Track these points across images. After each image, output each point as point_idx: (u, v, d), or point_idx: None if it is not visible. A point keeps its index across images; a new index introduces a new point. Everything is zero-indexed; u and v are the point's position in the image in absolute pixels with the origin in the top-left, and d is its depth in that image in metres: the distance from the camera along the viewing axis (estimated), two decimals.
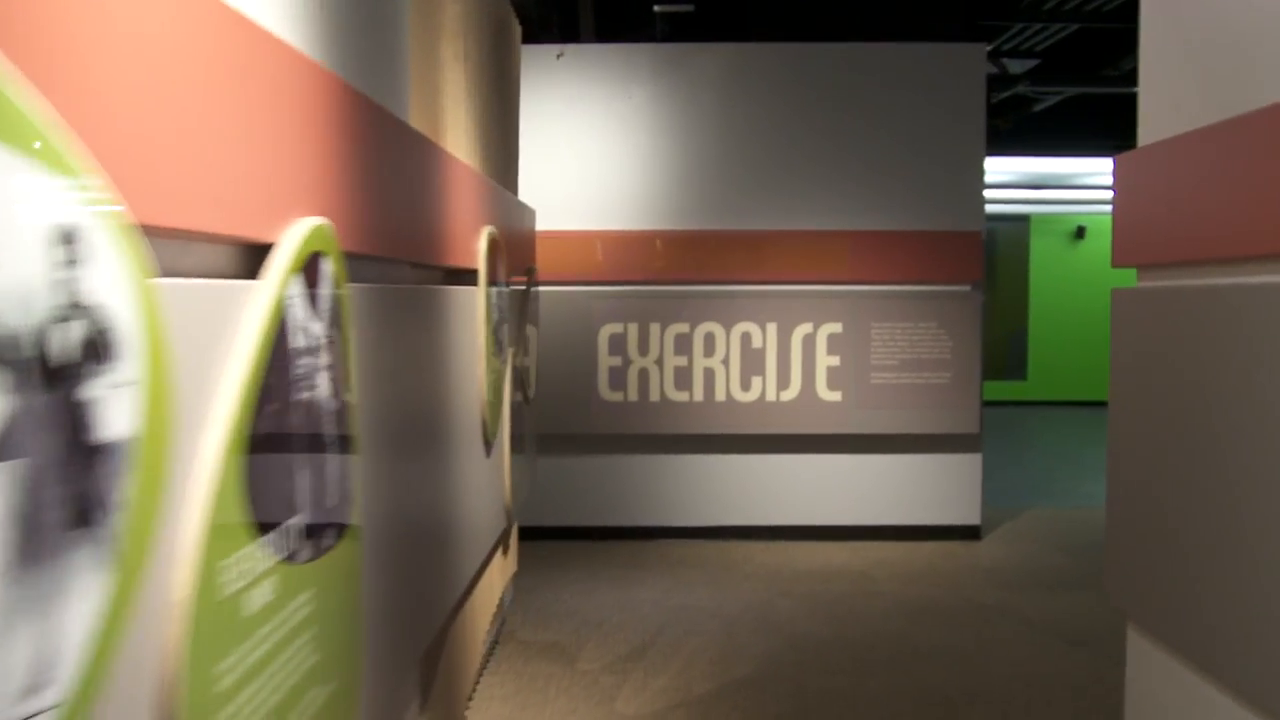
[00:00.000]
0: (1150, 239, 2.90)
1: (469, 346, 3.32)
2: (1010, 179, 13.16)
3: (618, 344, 6.81)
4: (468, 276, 3.47)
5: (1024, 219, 15.11)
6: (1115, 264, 3.18)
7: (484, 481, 3.62)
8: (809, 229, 6.84)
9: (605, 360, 6.82)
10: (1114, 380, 3.23)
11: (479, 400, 3.49)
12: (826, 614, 5.45)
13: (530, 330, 4.99)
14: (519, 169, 4.99)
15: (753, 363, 6.81)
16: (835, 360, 6.81)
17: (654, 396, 6.83)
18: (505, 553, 4.43)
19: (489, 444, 3.66)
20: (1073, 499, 8.55)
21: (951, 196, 6.87)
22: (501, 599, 5.02)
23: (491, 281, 3.67)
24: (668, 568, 6.35)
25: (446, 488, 2.99)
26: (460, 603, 3.57)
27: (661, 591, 5.86)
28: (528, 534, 6.94)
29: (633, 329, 6.81)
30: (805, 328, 6.80)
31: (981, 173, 6.89)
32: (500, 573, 4.28)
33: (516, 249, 4.65)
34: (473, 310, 3.40)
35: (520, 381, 4.61)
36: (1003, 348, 16.14)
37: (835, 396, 6.82)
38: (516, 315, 4.60)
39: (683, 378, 6.82)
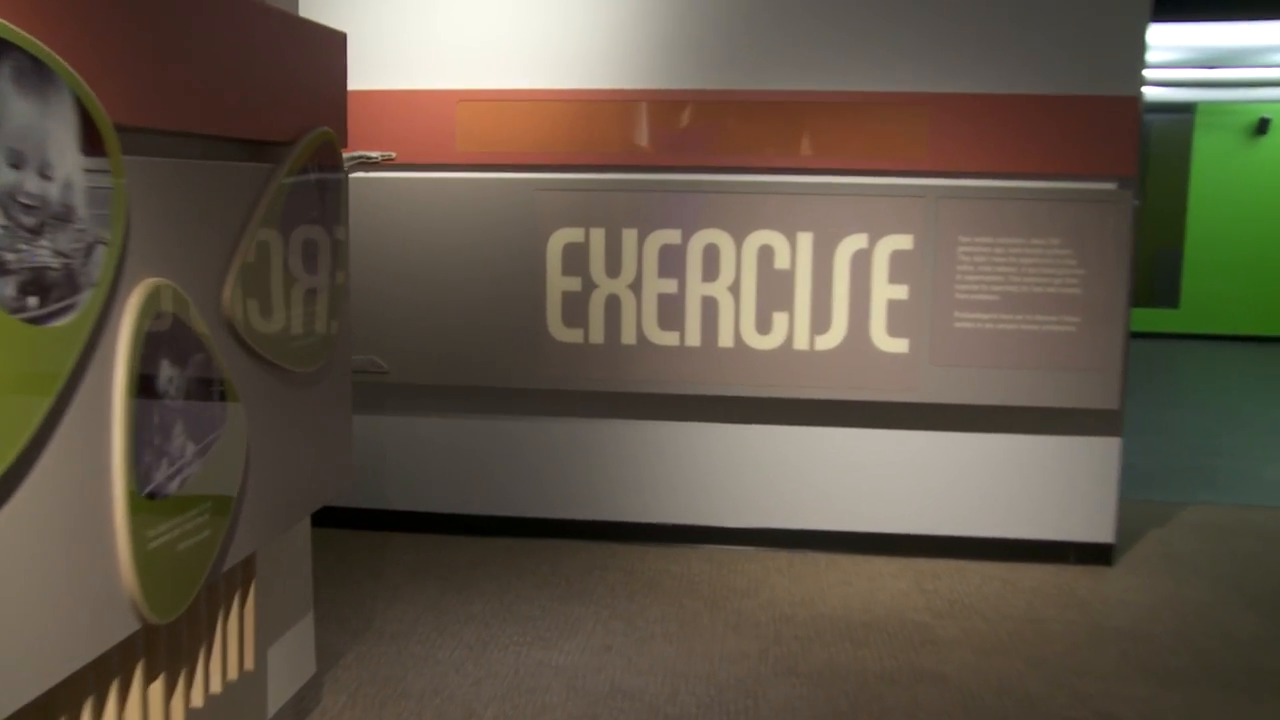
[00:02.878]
0: None
1: None
2: (1169, 56, 10.32)
3: (576, 259, 4.62)
4: None
5: (1187, 108, 12.22)
6: None
7: None
8: (867, 90, 4.49)
9: (557, 283, 4.64)
10: None
11: None
12: None
13: (319, 234, 2.82)
14: None
15: (776, 292, 4.55)
16: (901, 291, 4.51)
17: (627, 337, 4.64)
18: (175, 675, 2.33)
19: None
20: (1246, 487, 6.11)
21: (1092, 42, 4.42)
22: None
23: None
24: (624, 600, 4.22)
25: None
26: None
27: (593, 652, 3.74)
28: (426, 525, 4.90)
29: (598, 237, 4.60)
30: (857, 241, 4.50)
31: (1146, 5, 4.42)
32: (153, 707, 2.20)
33: (242, 95, 2.46)
34: None
35: (238, 323, 2.48)
36: (1150, 267, 13.40)
37: (899, 346, 4.53)
38: (244, 209, 2.44)
39: (671, 311, 4.61)
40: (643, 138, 4.56)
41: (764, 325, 4.57)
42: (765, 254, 4.53)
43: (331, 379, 2.96)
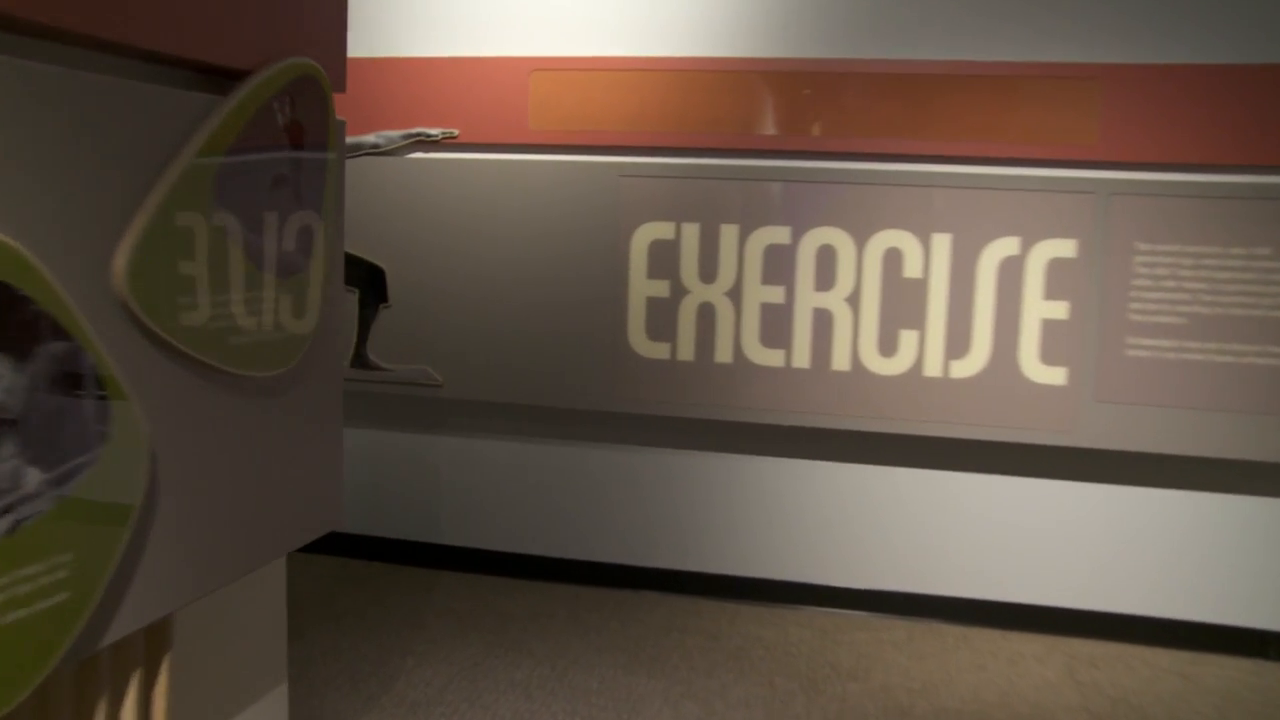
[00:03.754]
0: None
1: None
2: None
3: (664, 259, 3.90)
4: None
5: None
6: None
7: None
8: (1025, 61, 3.67)
9: (641, 287, 3.93)
10: None
11: None
12: None
13: (287, 198, 2.16)
14: None
15: (905, 305, 3.75)
16: (1060, 309, 3.66)
17: (722, 355, 3.89)
18: None
19: None
20: None
21: None
22: None
23: None
24: (702, 673, 3.46)
25: None
26: None
27: None
28: (482, 564, 4.22)
29: (690, 233, 3.87)
30: (1006, 245, 3.67)
31: None
32: None
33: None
34: None
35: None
36: None
37: (1055, 377, 3.68)
38: (162, 151, 1.79)
39: (776, 325, 3.85)
40: (748, 116, 3.82)
41: (888, 346, 3.76)
42: (892, 259, 3.73)
43: (308, 389, 2.29)
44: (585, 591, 4.11)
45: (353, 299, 4.09)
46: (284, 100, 2.09)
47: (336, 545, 4.36)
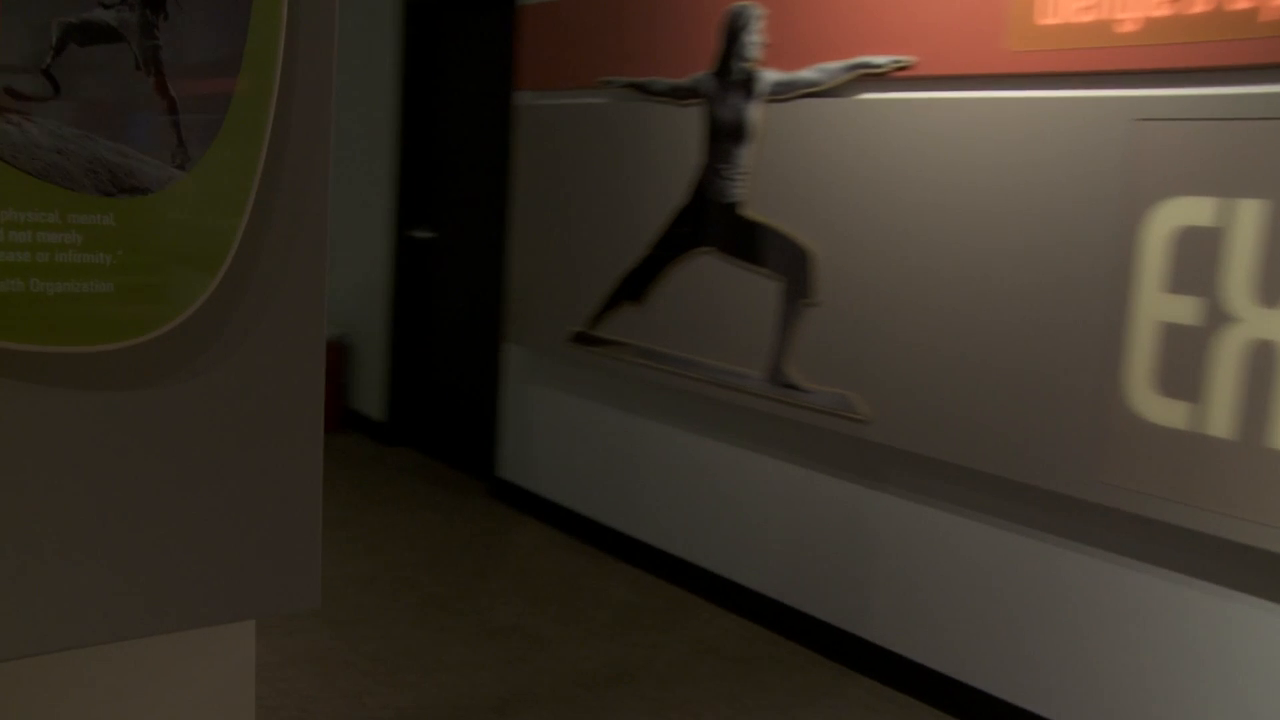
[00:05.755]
0: None
1: None
2: None
3: (1197, 259, 2.28)
4: None
5: None
6: None
7: None
8: None
9: (1153, 305, 2.35)
10: None
11: None
12: None
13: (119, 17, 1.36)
14: None
15: None
16: None
17: None
18: None
19: None
20: None
21: None
22: None
23: None
24: None
25: None
26: None
27: None
28: (886, 670, 2.99)
29: (1247, 216, 2.20)
30: None
31: None
32: None
33: None
34: None
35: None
36: None
37: None
38: None
39: None
40: None
41: None
42: None
43: (231, 387, 1.46)
44: None
45: (752, 290, 3.09)
46: None
47: (753, 607, 3.40)
